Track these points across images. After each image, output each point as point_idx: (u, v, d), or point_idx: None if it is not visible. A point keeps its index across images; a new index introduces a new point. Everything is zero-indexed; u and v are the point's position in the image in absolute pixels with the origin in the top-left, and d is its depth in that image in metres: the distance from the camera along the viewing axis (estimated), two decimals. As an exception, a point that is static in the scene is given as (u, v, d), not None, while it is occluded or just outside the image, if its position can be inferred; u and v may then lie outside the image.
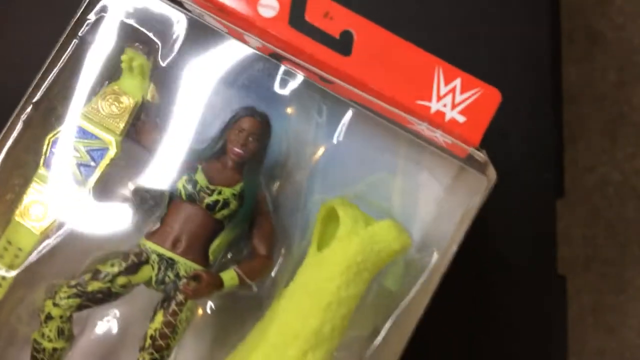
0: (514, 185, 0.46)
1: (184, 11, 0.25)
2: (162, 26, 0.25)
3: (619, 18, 1.06)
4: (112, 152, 0.26)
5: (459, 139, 0.28)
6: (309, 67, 0.26)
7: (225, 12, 0.26)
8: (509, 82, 0.46)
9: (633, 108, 1.05)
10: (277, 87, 0.26)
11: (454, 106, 0.28)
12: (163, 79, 0.26)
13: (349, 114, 0.26)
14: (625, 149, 1.05)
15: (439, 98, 0.28)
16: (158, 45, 0.25)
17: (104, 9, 0.25)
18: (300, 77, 0.26)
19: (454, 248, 0.26)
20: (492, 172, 0.27)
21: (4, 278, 0.25)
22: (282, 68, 0.26)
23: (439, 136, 0.27)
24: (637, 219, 1.05)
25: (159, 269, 0.25)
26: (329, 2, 0.28)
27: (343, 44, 0.28)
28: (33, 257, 0.25)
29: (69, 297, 0.24)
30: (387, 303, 0.26)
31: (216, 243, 0.25)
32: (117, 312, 0.26)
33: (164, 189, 0.26)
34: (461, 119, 0.28)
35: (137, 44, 0.26)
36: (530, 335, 0.46)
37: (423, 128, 0.27)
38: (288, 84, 0.26)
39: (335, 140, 0.26)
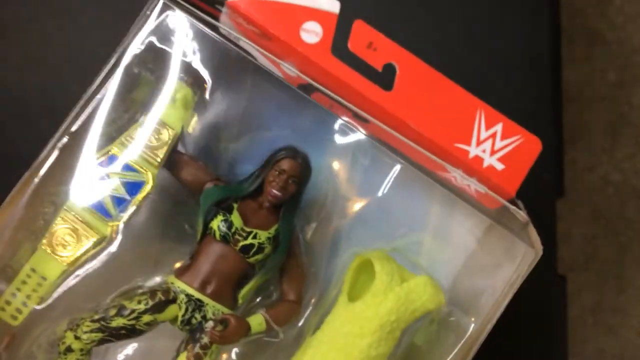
0: (514, 185, 0.46)
1: (227, 42, 0.24)
2: (209, 59, 0.24)
3: (619, 18, 1.06)
4: (148, 186, 0.24)
5: (495, 187, 0.26)
6: (345, 103, 0.25)
7: (267, 37, 0.25)
8: (509, 81, 0.46)
9: (633, 108, 1.05)
10: (320, 130, 0.25)
11: (493, 152, 0.27)
12: (202, 112, 0.25)
13: (397, 167, 0.25)
14: (625, 149, 1.05)
15: (479, 143, 0.26)
16: (204, 78, 0.24)
17: (156, 31, 0.24)
18: (340, 118, 0.24)
19: (493, 320, 0.23)
20: (536, 238, 0.24)
21: (25, 304, 0.24)
22: (336, 119, 0.24)
23: (472, 185, 0.26)
24: (637, 219, 1.05)
25: (187, 309, 0.24)
26: (373, 32, 0.26)
27: (385, 78, 0.27)
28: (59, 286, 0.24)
29: (91, 331, 0.23)
30: (415, 358, 0.24)
31: (247, 287, 0.24)
32: (136, 345, 0.24)
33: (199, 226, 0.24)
34: (500, 166, 0.27)
35: (181, 75, 0.24)
36: (530, 335, 0.46)
37: (457, 175, 0.26)
38: (336, 125, 0.24)
39: (380, 193, 0.25)
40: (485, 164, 0.26)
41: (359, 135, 0.25)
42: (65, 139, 0.24)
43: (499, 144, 0.27)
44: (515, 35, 0.46)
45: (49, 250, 0.24)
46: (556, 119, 0.47)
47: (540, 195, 0.46)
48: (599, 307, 1.05)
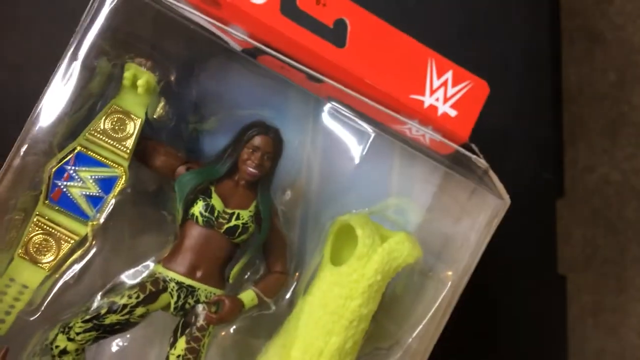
0: (514, 185, 0.46)
1: (183, 19, 0.23)
2: (162, 39, 0.22)
3: (619, 18, 1.06)
4: (122, 180, 0.23)
5: (450, 133, 0.27)
6: (297, 65, 0.24)
7: (217, 3, 0.24)
8: (509, 82, 0.46)
9: (633, 108, 1.05)
10: (278, 98, 0.24)
11: (445, 100, 0.27)
12: (174, 95, 0.23)
13: (369, 131, 0.25)
14: (625, 149, 1.05)
15: (432, 92, 0.27)
16: (165, 61, 0.23)
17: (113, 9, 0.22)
18: (297, 88, 0.23)
19: (471, 270, 0.24)
20: (500, 186, 0.26)
21: (7, 313, 0.23)
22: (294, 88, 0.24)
23: (427, 134, 0.26)
24: (637, 219, 1.05)
25: (179, 296, 0.23)
26: None
27: (337, 34, 0.26)
28: (44, 292, 0.23)
29: (85, 331, 0.23)
30: (399, 310, 0.26)
31: (237, 267, 0.25)
32: (128, 335, 0.24)
33: (177, 213, 0.24)
34: (453, 112, 0.27)
35: (140, 59, 0.23)
36: (530, 335, 0.46)
37: (412, 127, 0.26)
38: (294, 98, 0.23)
39: (343, 156, 0.25)
40: (440, 112, 0.26)
41: (317, 98, 0.24)
42: (26, 145, 0.22)
43: (450, 91, 0.27)
44: (515, 35, 0.46)
45: (27, 258, 0.23)
46: (556, 119, 0.47)
47: (540, 195, 0.46)
48: (599, 307, 1.05)
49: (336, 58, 0.25)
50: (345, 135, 0.25)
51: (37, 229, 0.22)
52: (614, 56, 1.05)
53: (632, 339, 1.05)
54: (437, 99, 0.26)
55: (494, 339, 0.46)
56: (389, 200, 0.26)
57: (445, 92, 0.27)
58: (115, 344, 0.24)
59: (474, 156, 0.27)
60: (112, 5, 0.22)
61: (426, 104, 0.26)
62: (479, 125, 0.46)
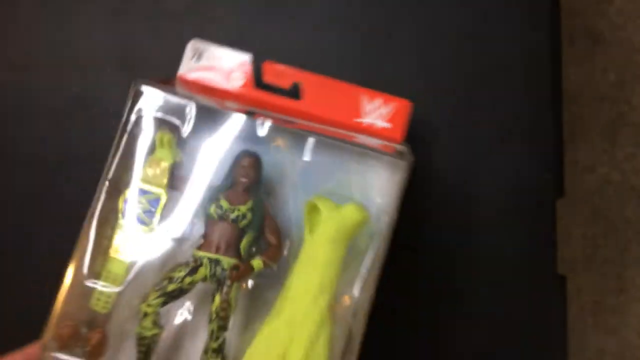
0: (514, 185, 0.46)
1: (188, 100, 0.37)
2: (178, 112, 0.37)
3: (619, 18, 1.06)
4: (163, 199, 0.37)
5: (388, 139, 0.39)
6: (275, 115, 0.38)
7: (208, 89, 0.39)
8: (509, 82, 0.46)
9: (633, 108, 1.05)
10: (259, 133, 0.37)
11: (381, 117, 0.39)
12: (184, 146, 0.38)
13: (311, 140, 0.37)
14: (625, 149, 1.05)
15: (368, 114, 0.39)
16: (178, 125, 0.37)
17: (141, 109, 0.37)
18: (269, 123, 0.37)
19: (396, 214, 0.36)
20: (410, 156, 0.37)
21: (109, 296, 0.36)
22: (262, 121, 0.37)
23: (373, 141, 0.38)
24: (637, 219, 1.05)
25: (210, 267, 0.35)
26: (278, 65, 0.39)
27: (294, 93, 0.39)
28: (130, 277, 0.36)
29: (156, 298, 0.35)
30: (362, 257, 0.36)
31: (244, 243, 0.36)
32: (189, 303, 0.37)
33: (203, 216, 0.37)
34: (387, 125, 0.39)
35: (163, 126, 0.37)
36: (531, 335, 0.46)
37: (361, 138, 0.38)
38: (265, 129, 0.37)
39: (306, 159, 0.38)
40: (378, 126, 0.39)
41: (290, 131, 0.38)
42: (107, 183, 0.36)
43: (383, 111, 0.39)
44: (516, 36, 0.46)
45: (115, 256, 0.36)
46: (556, 119, 0.47)
47: (540, 195, 0.46)
48: (599, 307, 1.05)
49: (297, 107, 0.39)
50: (305, 150, 0.38)
51: (119, 237, 0.37)
52: (614, 56, 1.05)
53: (632, 339, 1.05)
54: (373, 119, 0.39)
55: (493, 339, 0.46)
56: (339, 184, 0.38)
57: (379, 113, 0.39)
58: (179, 313, 0.37)
59: (403, 148, 0.38)
60: (140, 100, 0.37)
61: (365, 123, 0.39)
62: (479, 125, 0.46)
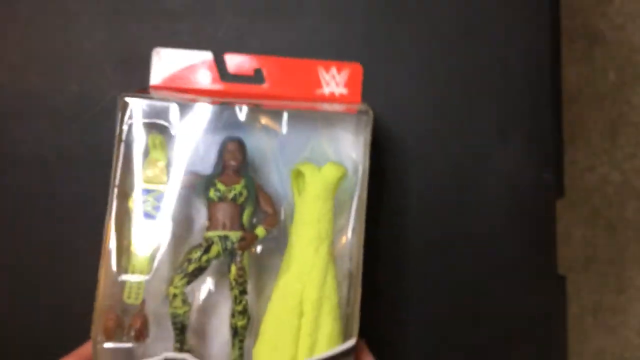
0: (514, 185, 0.46)
1: (169, 102, 0.40)
2: (163, 115, 0.40)
3: (619, 18, 1.06)
4: (167, 194, 0.40)
5: (349, 102, 0.43)
6: (246, 101, 0.41)
7: (181, 91, 0.42)
8: (509, 82, 0.46)
9: (633, 108, 1.05)
10: (239, 119, 0.41)
11: (337, 85, 0.43)
12: (175, 143, 0.41)
13: (285, 115, 0.41)
14: (625, 148, 1.05)
15: (327, 84, 0.43)
16: (166, 125, 0.41)
17: (130, 117, 0.40)
18: (245, 108, 0.41)
19: (367, 164, 0.40)
20: (370, 111, 0.40)
21: (138, 287, 0.40)
22: (239, 107, 0.41)
23: (337, 107, 0.42)
24: (637, 219, 1.05)
25: (221, 244, 0.39)
26: (238, 56, 0.43)
27: (258, 78, 0.42)
28: (153, 268, 0.39)
29: (180, 279, 0.39)
30: (347, 203, 0.40)
31: (245, 217, 0.40)
32: (210, 279, 0.40)
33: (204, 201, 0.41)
34: (345, 91, 0.42)
35: (154, 130, 0.40)
36: (531, 335, 0.46)
37: (326, 106, 0.42)
38: (243, 115, 0.41)
39: (283, 132, 0.42)
40: (337, 93, 0.43)
41: (264, 112, 0.42)
42: (116, 190, 0.39)
43: (338, 79, 0.43)
44: (515, 35, 0.46)
45: (135, 251, 0.40)
46: (556, 119, 0.47)
47: (540, 195, 0.46)
48: (599, 307, 1.05)
49: (263, 91, 0.43)
50: (280, 127, 0.42)
51: (134, 233, 0.40)
52: (614, 56, 1.05)
53: (632, 338, 1.05)
54: (332, 87, 0.43)
55: (493, 339, 0.46)
56: (314, 150, 0.42)
57: (336, 81, 0.43)
58: (203, 289, 0.41)
59: (359, 105, 0.41)
60: (128, 110, 0.40)
61: (327, 93, 0.43)
62: (479, 124, 0.46)
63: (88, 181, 0.45)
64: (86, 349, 0.38)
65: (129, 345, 0.39)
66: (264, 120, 0.42)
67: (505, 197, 0.46)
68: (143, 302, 0.39)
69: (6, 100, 0.45)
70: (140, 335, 0.39)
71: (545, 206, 0.46)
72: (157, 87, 0.43)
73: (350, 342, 0.38)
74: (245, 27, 0.47)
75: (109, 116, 0.45)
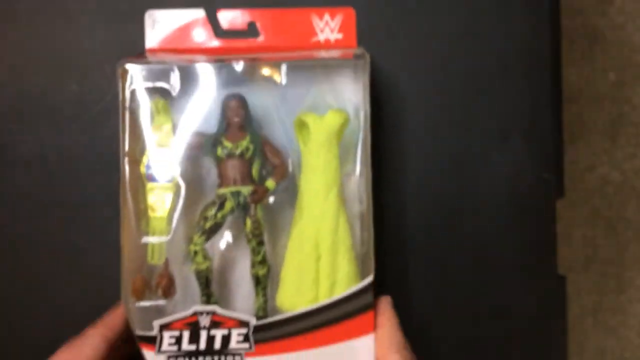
0: (514, 185, 0.46)
1: (168, 65, 0.41)
2: (163, 78, 0.41)
3: (619, 18, 1.06)
4: (176, 155, 0.41)
5: (345, 47, 0.43)
6: (244, 55, 0.41)
7: (177, 52, 0.43)
8: (509, 82, 0.46)
9: (633, 108, 1.05)
10: (237, 75, 0.41)
11: (332, 30, 0.43)
12: (178, 105, 0.41)
13: (284, 66, 0.42)
14: (625, 148, 1.05)
15: (321, 31, 0.43)
16: (168, 88, 0.41)
17: (131, 84, 0.40)
18: (242, 63, 0.41)
19: (368, 107, 0.40)
20: (367, 55, 0.40)
21: (160, 247, 0.41)
22: (237, 63, 0.41)
23: (334, 53, 0.42)
24: (637, 219, 1.05)
25: (234, 199, 0.41)
26: (230, 11, 0.43)
27: (252, 31, 0.43)
28: (172, 227, 0.41)
29: (199, 237, 0.40)
30: (352, 148, 0.41)
31: (254, 171, 0.41)
32: (227, 233, 0.42)
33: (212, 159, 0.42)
34: (340, 36, 0.43)
35: (156, 94, 0.41)
36: (531, 335, 0.46)
37: (323, 53, 0.42)
38: (240, 70, 0.41)
39: (280, 83, 0.42)
40: (332, 39, 0.43)
41: (258, 66, 0.42)
42: (126, 158, 0.40)
43: (332, 25, 0.43)
44: (515, 35, 0.46)
45: (153, 214, 0.41)
46: (556, 119, 0.47)
47: (540, 195, 0.46)
48: (599, 307, 1.05)
49: (259, 44, 0.43)
50: (278, 76, 0.42)
51: (151, 195, 0.41)
52: (614, 56, 1.05)
53: (632, 338, 1.05)
54: (327, 34, 0.43)
55: (493, 338, 0.46)
56: (315, 99, 0.42)
57: (330, 27, 0.43)
58: (222, 243, 0.42)
59: (355, 50, 0.42)
60: (129, 76, 0.40)
61: (322, 40, 0.43)
62: (479, 124, 0.46)
63: (88, 181, 0.45)
64: (112, 316, 0.39)
65: (158, 302, 0.40)
66: (262, 73, 0.42)
67: (505, 197, 0.46)
68: (166, 261, 0.41)
69: (6, 100, 0.45)
70: (168, 292, 0.40)
71: (545, 206, 0.46)
72: (153, 50, 0.43)
73: (367, 280, 0.39)
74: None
75: (109, 116, 0.45)
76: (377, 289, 0.40)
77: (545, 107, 0.46)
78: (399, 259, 0.46)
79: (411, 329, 0.45)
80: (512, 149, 0.46)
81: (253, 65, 0.41)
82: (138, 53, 0.42)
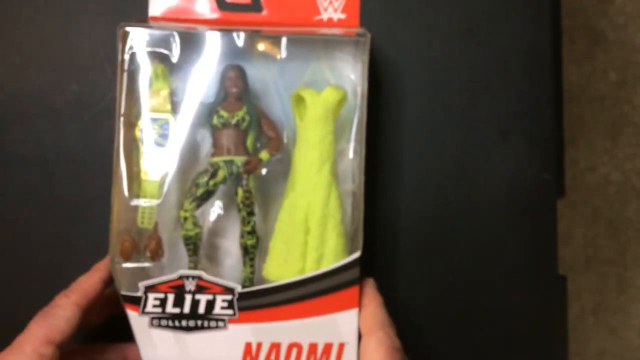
0: (514, 185, 0.46)
1: (172, 31, 0.41)
2: (164, 44, 0.41)
3: (620, 18, 1.06)
4: (172, 122, 0.41)
5: (347, 26, 0.44)
6: (245, 28, 0.42)
7: (180, 21, 0.43)
8: (510, 81, 0.46)
9: (633, 108, 1.05)
10: (238, 46, 0.41)
11: (335, 10, 0.43)
12: (177, 72, 0.42)
13: (284, 40, 0.42)
14: (625, 148, 1.05)
15: (325, 9, 0.43)
16: (168, 54, 0.41)
17: (131, 47, 0.40)
18: (243, 35, 0.41)
19: (366, 86, 0.40)
20: (367, 34, 0.41)
21: (151, 211, 0.41)
22: (237, 34, 0.41)
23: (336, 31, 0.43)
24: (638, 219, 1.05)
25: (227, 168, 0.41)
26: None
27: (256, 6, 0.43)
28: (163, 192, 0.41)
29: (190, 203, 0.40)
30: (348, 126, 0.41)
31: (249, 141, 0.41)
32: (218, 202, 0.42)
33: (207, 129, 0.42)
34: (343, 16, 0.43)
35: (155, 59, 0.41)
36: (531, 335, 0.46)
37: (325, 31, 0.43)
38: (241, 41, 0.41)
39: (280, 57, 0.42)
40: (335, 19, 0.43)
41: (263, 37, 0.42)
42: (122, 118, 0.40)
43: (335, 4, 0.43)
44: (516, 35, 0.46)
45: (145, 178, 0.41)
46: (556, 119, 0.47)
47: (540, 195, 0.46)
48: (600, 307, 1.05)
49: (262, 19, 0.43)
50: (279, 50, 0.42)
51: (143, 161, 0.41)
52: (614, 56, 1.05)
53: (632, 339, 1.05)
54: (330, 12, 0.43)
55: (493, 339, 0.46)
56: (314, 74, 0.43)
57: (334, 6, 0.43)
58: (212, 211, 0.42)
59: (357, 29, 0.42)
60: (130, 40, 0.40)
61: (325, 18, 0.43)
62: (479, 124, 0.46)
63: (88, 181, 0.45)
64: (84, 283, 0.39)
65: (145, 264, 0.40)
66: (263, 46, 0.42)
67: (505, 197, 0.46)
68: (156, 224, 0.41)
69: (6, 100, 0.45)
70: (156, 255, 0.41)
71: (546, 206, 0.46)
72: (155, 18, 0.43)
73: (355, 255, 0.39)
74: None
75: (109, 116, 0.45)
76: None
77: (546, 107, 0.46)
78: (397, 260, 0.46)
79: (409, 330, 0.45)
80: (512, 149, 0.46)
81: (253, 37, 0.42)
82: (140, 19, 0.42)
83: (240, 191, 0.41)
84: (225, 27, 0.42)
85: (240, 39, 0.41)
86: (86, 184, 0.45)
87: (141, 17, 0.43)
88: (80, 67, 0.46)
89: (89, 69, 0.45)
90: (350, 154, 0.41)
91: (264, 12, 0.43)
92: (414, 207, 0.46)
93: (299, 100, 0.42)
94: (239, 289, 0.39)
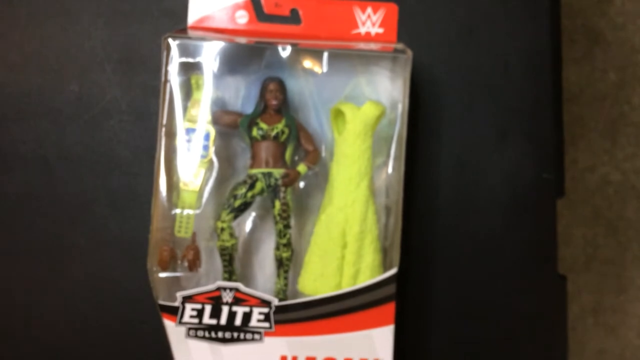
0: (514, 185, 0.46)
1: (213, 42, 0.42)
2: (205, 55, 0.42)
3: (619, 18, 1.06)
4: (212, 133, 0.42)
5: (385, 41, 0.43)
6: (284, 40, 0.42)
7: (219, 31, 0.43)
8: (510, 81, 0.46)
9: (633, 108, 1.05)
10: (279, 59, 0.42)
11: (373, 24, 0.43)
12: (218, 83, 0.42)
13: (325, 55, 0.43)
14: (625, 148, 1.05)
15: (363, 24, 0.43)
16: (208, 65, 0.42)
17: (173, 61, 0.41)
18: (289, 48, 0.42)
19: (407, 102, 0.41)
20: (409, 51, 0.41)
21: (188, 220, 0.41)
22: (283, 47, 0.42)
23: (373, 45, 0.43)
24: (638, 219, 1.05)
25: (265, 180, 0.41)
26: None
27: (294, 18, 0.43)
28: (201, 203, 0.42)
29: (227, 214, 0.41)
30: (387, 143, 0.42)
31: (287, 154, 0.42)
32: (254, 214, 0.43)
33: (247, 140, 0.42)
34: (381, 30, 0.43)
35: (196, 70, 0.42)
36: (531, 335, 0.46)
37: (363, 45, 0.43)
38: (286, 54, 0.42)
39: (323, 71, 0.43)
40: (373, 33, 0.43)
41: (300, 52, 0.43)
42: (163, 129, 0.41)
43: (374, 18, 0.43)
44: (516, 35, 0.46)
45: (184, 187, 0.42)
46: (556, 119, 0.47)
47: (540, 195, 0.46)
48: (599, 307, 1.05)
49: (300, 31, 0.43)
50: (320, 65, 0.43)
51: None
52: (614, 56, 1.05)
53: (632, 339, 1.05)
54: (368, 27, 0.43)
55: (493, 339, 0.46)
56: (353, 89, 0.43)
57: (372, 21, 0.43)
58: (249, 223, 0.43)
59: (396, 44, 0.42)
60: (172, 51, 0.41)
61: (363, 32, 0.43)
62: (479, 124, 0.46)
63: (88, 181, 0.45)
64: None
65: (182, 274, 0.41)
66: (303, 60, 0.43)
67: (505, 197, 0.46)
68: (194, 234, 0.41)
69: (6, 100, 0.45)
70: (193, 265, 0.41)
71: (545, 206, 0.46)
72: (194, 28, 0.43)
73: (392, 271, 0.39)
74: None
75: (109, 116, 0.45)
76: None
77: (546, 107, 0.46)
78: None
79: (410, 328, 0.45)
80: (512, 148, 0.46)
81: (294, 51, 0.42)
82: (179, 29, 0.43)
83: (277, 203, 0.41)
84: (265, 40, 0.42)
85: (284, 52, 0.42)
86: (86, 184, 0.45)
87: (179, 27, 0.43)
88: (80, 67, 0.46)
89: (89, 69, 0.46)
90: (390, 169, 0.41)
91: (302, 25, 0.43)
92: (412, 207, 0.46)
93: (338, 114, 0.42)
94: (275, 302, 0.39)
